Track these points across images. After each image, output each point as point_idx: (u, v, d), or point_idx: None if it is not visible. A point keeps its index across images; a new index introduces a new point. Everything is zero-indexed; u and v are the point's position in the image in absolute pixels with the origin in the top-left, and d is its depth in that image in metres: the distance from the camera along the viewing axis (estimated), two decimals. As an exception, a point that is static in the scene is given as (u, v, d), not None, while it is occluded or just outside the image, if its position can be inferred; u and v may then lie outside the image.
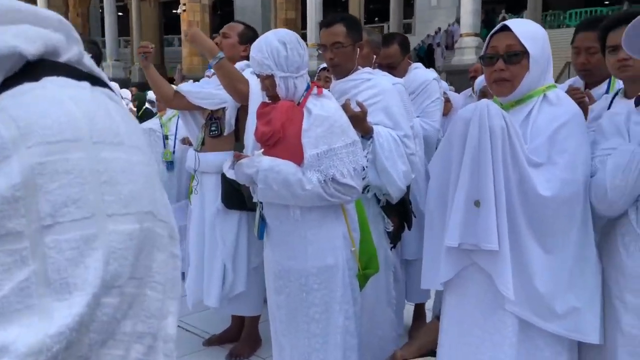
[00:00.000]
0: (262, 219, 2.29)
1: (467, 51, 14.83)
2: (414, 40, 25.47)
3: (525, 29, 1.82)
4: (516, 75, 1.81)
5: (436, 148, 4.47)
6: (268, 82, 2.21)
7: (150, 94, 9.74)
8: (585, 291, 1.74)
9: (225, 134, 3.03)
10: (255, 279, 3.02)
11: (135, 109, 9.02)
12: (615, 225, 1.76)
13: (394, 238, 2.79)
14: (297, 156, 2.14)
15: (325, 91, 2.28)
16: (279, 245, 2.27)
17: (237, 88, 2.77)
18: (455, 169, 1.77)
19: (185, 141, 4.38)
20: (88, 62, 0.55)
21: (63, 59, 0.52)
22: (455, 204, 1.75)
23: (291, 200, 2.16)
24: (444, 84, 5.98)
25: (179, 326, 2.73)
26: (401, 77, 3.30)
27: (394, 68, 3.32)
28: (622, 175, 1.65)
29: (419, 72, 3.51)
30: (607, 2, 29.14)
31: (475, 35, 14.98)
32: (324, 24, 2.72)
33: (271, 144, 2.16)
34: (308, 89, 2.25)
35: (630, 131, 1.75)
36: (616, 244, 1.75)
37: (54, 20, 0.52)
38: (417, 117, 3.28)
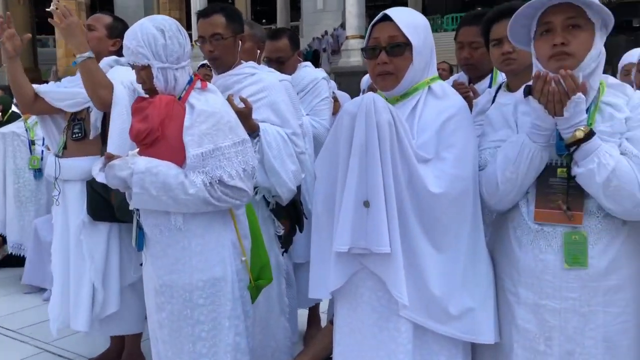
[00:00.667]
0: (140, 228, 2.04)
1: (353, 53, 15.11)
2: (302, 43, 25.65)
3: (407, 19, 1.74)
4: (400, 67, 1.73)
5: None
6: (144, 74, 1.98)
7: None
8: (479, 289, 1.70)
9: (90, 137, 2.72)
10: (133, 296, 2.74)
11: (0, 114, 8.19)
12: (507, 219, 1.74)
13: (286, 242, 2.65)
14: (178, 156, 1.93)
15: (210, 85, 2.09)
16: (159, 258, 2.03)
17: (99, 94, 2.49)
18: (342, 168, 1.65)
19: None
20: None
21: None
22: (344, 206, 1.63)
23: (172, 206, 1.94)
24: (333, 83, 5.98)
25: (46, 351, 2.39)
26: (290, 74, 3.19)
27: (283, 63, 3.20)
28: (512, 167, 1.62)
29: (308, 70, 3.42)
30: (479, 8, 31.11)
31: (361, 37, 15.29)
32: (202, 14, 2.52)
33: (148, 143, 1.93)
34: (191, 82, 2.04)
35: (518, 122, 1.73)
36: (509, 238, 1.72)
37: None
38: (307, 115, 3.17)
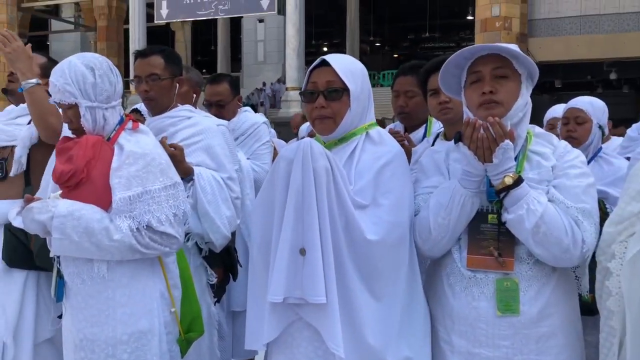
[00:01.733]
0: (60, 276, 1.90)
1: (293, 104, 15.34)
2: (243, 93, 25.80)
3: (344, 65, 1.76)
4: (337, 112, 1.73)
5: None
6: (71, 113, 1.89)
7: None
8: (416, 338, 1.67)
9: (12, 174, 2.55)
10: (50, 353, 2.50)
11: None
12: (440, 266, 1.74)
13: (218, 291, 2.55)
14: (104, 200, 1.83)
15: (142, 126, 2.01)
16: (80, 309, 1.89)
17: (49, 121, 2.36)
18: (279, 214, 1.60)
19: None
20: None
21: None
22: (279, 253, 1.58)
23: (96, 253, 1.82)
24: (272, 131, 6.02)
25: None
26: (230, 119, 3.19)
27: (223, 107, 3.20)
28: (444, 212, 1.63)
29: (248, 115, 3.43)
30: (405, 64, 32.48)
31: (300, 89, 15.58)
32: (140, 54, 2.48)
33: (72, 185, 1.82)
34: (121, 122, 1.96)
35: (450, 169, 1.75)
36: (442, 285, 1.71)
37: None
38: (248, 159, 3.14)
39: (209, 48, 29.30)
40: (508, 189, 1.57)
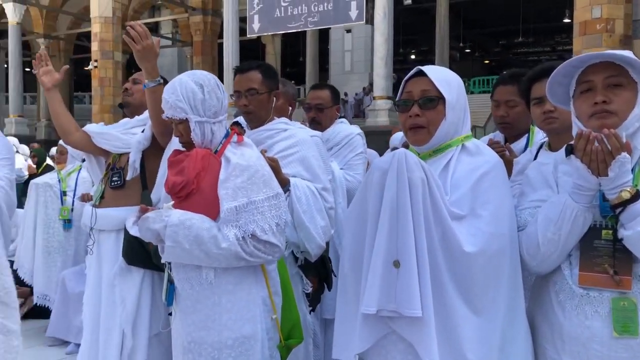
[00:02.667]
0: (171, 282, 2.01)
1: (381, 113, 15.28)
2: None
3: (440, 75, 1.74)
4: (432, 121, 1.70)
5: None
6: (182, 127, 2.01)
7: (53, 150, 9.13)
8: (518, 356, 1.60)
9: (128, 178, 2.72)
10: (158, 347, 2.66)
11: (34, 166, 8.39)
12: (549, 283, 1.65)
13: (313, 300, 2.58)
14: (212, 210, 1.92)
15: (246, 139, 2.10)
16: (189, 314, 1.99)
17: (164, 118, 2.50)
18: (372, 226, 1.59)
19: (85, 198, 4.03)
20: None
21: None
22: (372, 265, 1.56)
23: (204, 260, 1.91)
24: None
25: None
26: (328, 124, 3.32)
27: (322, 111, 3.28)
28: (554, 228, 1.56)
29: (343, 126, 3.49)
30: (505, 72, 31.46)
31: (388, 98, 15.49)
32: (239, 70, 2.58)
33: (183, 196, 1.93)
34: (227, 136, 2.06)
35: (558, 182, 1.67)
36: (550, 302, 1.63)
37: None
38: (341, 169, 3.17)
39: (297, 59, 29.88)
40: (625, 203, 1.47)
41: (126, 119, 2.92)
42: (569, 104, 1.68)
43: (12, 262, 4.40)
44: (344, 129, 3.40)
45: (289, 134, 2.56)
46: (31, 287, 4.72)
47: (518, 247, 1.65)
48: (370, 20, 17.10)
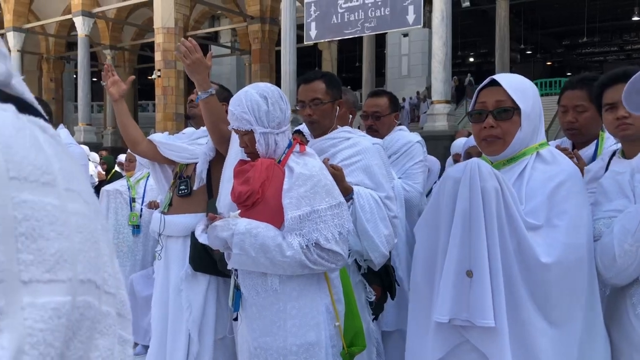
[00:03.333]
0: (237, 288, 2.06)
1: (439, 117, 15.06)
2: (386, 108, 25.95)
3: (515, 84, 1.71)
4: (507, 132, 1.68)
5: (418, 214, 4.36)
6: (247, 138, 2.06)
7: (121, 157, 9.52)
8: None
9: (195, 187, 2.82)
10: (223, 352, 2.73)
11: (104, 172, 8.76)
12: (625, 295, 1.60)
13: (376, 309, 2.58)
14: (277, 219, 1.95)
15: (308, 149, 2.13)
16: (255, 319, 2.03)
17: (220, 127, 2.58)
18: (444, 235, 1.59)
19: (151, 205, 4.17)
20: (19, 85, 0.41)
21: None
22: (445, 274, 1.56)
23: (270, 267, 1.95)
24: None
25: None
26: (385, 132, 3.29)
27: (379, 119, 3.26)
28: (631, 239, 1.50)
29: (402, 133, 3.44)
30: (569, 74, 30.46)
31: (446, 102, 15.27)
32: (304, 80, 2.61)
33: (249, 204, 1.97)
34: (290, 146, 2.10)
35: (635, 191, 1.61)
36: (627, 315, 1.57)
37: None
38: (399, 178, 3.14)
39: (353, 64, 29.92)
40: None
41: (191, 129, 3.01)
42: None
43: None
44: (403, 136, 3.37)
45: (352, 142, 2.57)
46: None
47: (594, 259, 1.61)
48: (427, 23, 16.89)
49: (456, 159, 4.49)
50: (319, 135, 2.61)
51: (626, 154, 2.05)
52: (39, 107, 0.43)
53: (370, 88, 21.70)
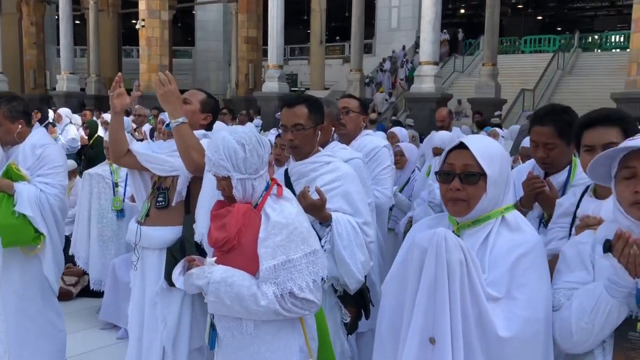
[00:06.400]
0: (213, 327, 2.14)
1: (426, 79, 14.96)
2: (374, 61, 25.70)
3: (483, 149, 1.75)
4: (472, 196, 1.73)
5: (389, 218, 4.43)
6: (224, 183, 2.09)
7: (105, 116, 9.40)
8: None
9: (173, 204, 2.86)
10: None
11: (86, 137, 8.69)
12: (580, 362, 1.69)
13: (351, 328, 2.69)
14: (252, 265, 2.02)
15: (285, 192, 2.16)
16: (230, 358, 2.12)
17: (192, 157, 2.65)
18: (410, 301, 1.66)
19: (134, 199, 4.19)
20: None
21: None
22: (409, 340, 1.64)
23: (244, 314, 2.03)
24: (404, 132, 5.98)
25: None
26: (352, 129, 3.43)
27: (348, 113, 3.38)
28: (588, 318, 1.59)
29: (370, 138, 3.52)
30: (559, 29, 30.13)
31: (435, 63, 15.15)
32: (286, 104, 2.62)
33: (225, 250, 2.03)
34: (267, 188, 2.13)
35: (595, 265, 1.68)
36: None
37: None
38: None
39: (343, 14, 29.30)
40: None
41: (173, 141, 3.00)
42: (610, 182, 1.69)
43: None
44: (370, 141, 3.43)
45: (332, 167, 2.60)
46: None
47: (552, 331, 1.69)
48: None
49: (436, 152, 4.55)
50: (300, 159, 2.64)
51: (598, 193, 2.11)
52: None
53: (359, 40, 21.38)
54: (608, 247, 1.55)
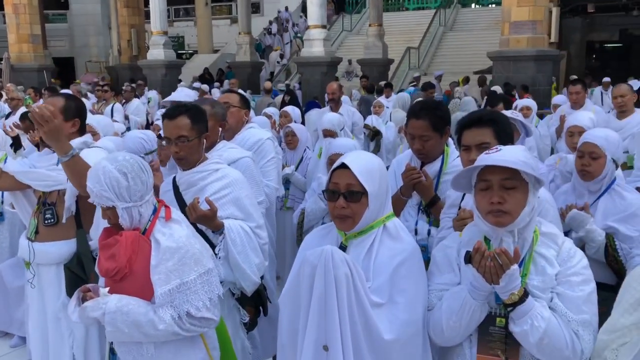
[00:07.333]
0: (113, 352, 2.15)
1: (315, 43, 15.03)
2: (262, 21, 25.34)
3: (363, 167, 1.90)
4: (356, 212, 1.89)
5: (286, 197, 4.54)
6: (110, 213, 2.07)
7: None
8: None
9: (64, 221, 2.78)
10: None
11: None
12: (453, 354, 1.91)
13: (251, 326, 2.79)
14: (146, 291, 2.04)
15: (174, 214, 2.17)
16: None
17: (85, 184, 2.53)
18: (304, 314, 1.83)
19: (12, 205, 3.97)
20: None
21: None
22: (305, 348, 1.81)
23: (144, 339, 2.06)
24: (297, 112, 6.07)
25: None
26: (234, 124, 3.46)
27: (228, 108, 3.41)
28: (455, 317, 1.80)
29: (252, 131, 3.58)
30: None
31: (323, 27, 15.22)
32: (167, 116, 2.58)
33: (117, 279, 2.03)
34: (155, 211, 2.13)
35: (460, 266, 1.90)
36: None
37: None
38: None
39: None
40: (514, 304, 1.72)
41: (49, 152, 2.87)
42: (471, 191, 1.89)
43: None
44: (253, 134, 3.50)
45: (221, 174, 2.63)
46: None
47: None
48: None
49: (326, 134, 4.67)
50: (187, 169, 2.63)
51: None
52: None
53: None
54: (468, 258, 1.75)
